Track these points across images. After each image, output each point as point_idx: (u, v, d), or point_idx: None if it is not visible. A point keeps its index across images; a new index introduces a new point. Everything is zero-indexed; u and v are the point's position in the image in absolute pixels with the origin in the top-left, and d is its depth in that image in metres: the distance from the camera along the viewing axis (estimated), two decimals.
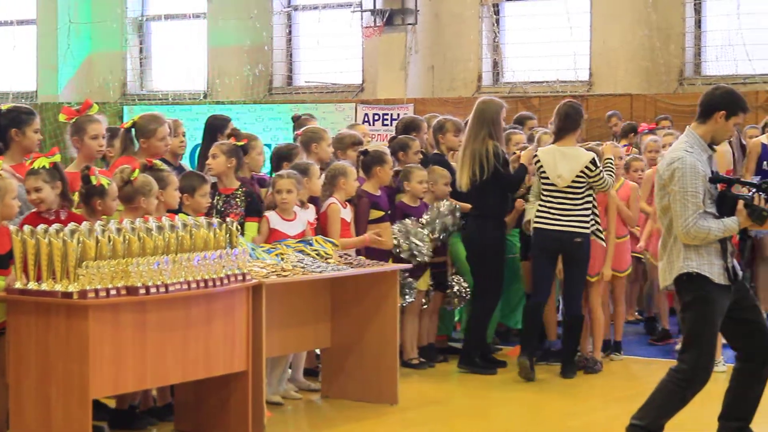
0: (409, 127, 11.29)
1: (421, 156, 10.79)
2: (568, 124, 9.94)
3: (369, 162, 10.09)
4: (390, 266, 9.22)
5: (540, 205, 9.96)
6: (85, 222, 7.06)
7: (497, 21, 20.38)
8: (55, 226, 6.85)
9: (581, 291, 10.09)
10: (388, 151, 10.40)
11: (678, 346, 10.38)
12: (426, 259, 10.03)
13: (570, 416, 8.86)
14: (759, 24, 17.92)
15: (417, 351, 10.35)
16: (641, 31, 18.71)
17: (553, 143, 10.08)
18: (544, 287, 10.10)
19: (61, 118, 8.49)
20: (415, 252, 9.93)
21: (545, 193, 9.93)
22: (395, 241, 9.93)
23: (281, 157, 9.85)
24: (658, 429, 7.26)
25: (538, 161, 9.97)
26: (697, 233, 7.04)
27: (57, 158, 7.64)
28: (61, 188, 7.57)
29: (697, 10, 18.72)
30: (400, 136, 10.96)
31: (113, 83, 23.58)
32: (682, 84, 18.52)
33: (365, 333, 9.01)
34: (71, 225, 6.86)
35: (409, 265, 9.58)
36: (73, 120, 8.42)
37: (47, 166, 7.53)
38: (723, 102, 7.28)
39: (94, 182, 7.69)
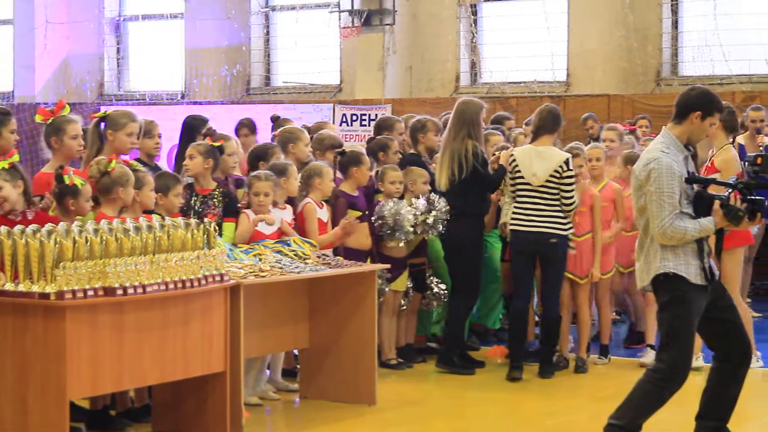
0: (381, 126, 11.33)
1: (400, 156, 10.80)
2: (546, 124, 9.98)
3: (345, 162, 10.10)
4: (368, 266, 9.21)
5: (515, 207, 9.98)
6: (62, 222, 7.04)
7: (475, 21, 20.40)
8: (33, 226, 6.83)
9: (558, 292, 10.08)
10: (364, 151, 10.40)
11: (641, 354, 10.46)
12: (404, 238, 9.98)
13: (547, 416, 8.87)
14: (735, 25, 17.99)
15: (395, 351, 10.35)
16: (618, 32, 18.75)
17: (530, 143, 10.12)
18: (525, 291, 10.11)
19: (38, 118, 8.47)
20: (397, 229, 9.91)
21: (521, 193, 9.95)
22: (383, 216, 9.93)
23: (257, 156, 9.83)
24: (636, 429, 7.28)
25: (514, 161, 9.99)
26: (674, 233, 7.06)
27: (15, 158, 7.65)
28: (23, 187, 7.57)
29: (674, 10, 18.77)
30: (379, 137, 10.97)
31: (90, 83, 23.51)
32: (659, 84, 18.57)
33: (343, 333, 9.00)
34: (48, 225, 6.85)
35: (387, 266, 9.56)
36: (50, 121, 8.40)
37: (6, 167, 7.53)
38: (699, 102, 7.31)
39: (67, 182, 7.69)
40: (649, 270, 7.26)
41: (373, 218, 9.99)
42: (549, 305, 10.03)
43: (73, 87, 23.36)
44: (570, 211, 9.92)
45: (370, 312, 8.94)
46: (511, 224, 9.98)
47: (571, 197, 9.87)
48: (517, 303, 10.12)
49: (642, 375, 7.39)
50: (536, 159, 9.86)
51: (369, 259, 9.87)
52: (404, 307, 10.39)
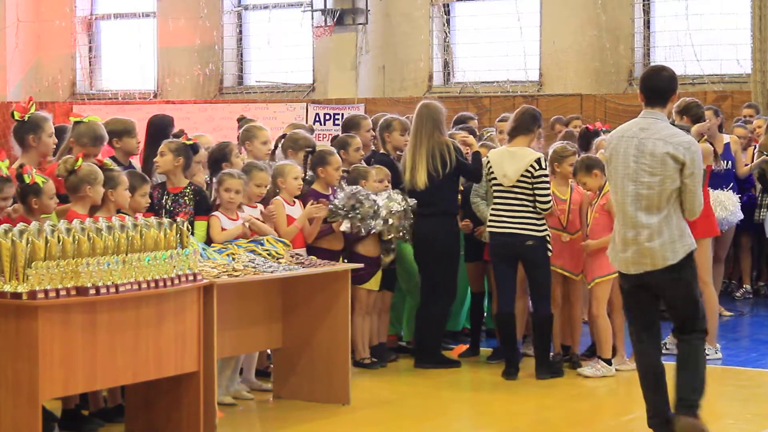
0: (347, 125, 11.34)
1: (362, 154, 10.79)
2: (521, 125, 9.93)
3: (312, 163, 10.09)
4: (341, 266, 9.21)
5: (492, 209, 9.94)
6: (34, 222, 7.01)
7: (448, 21, 20.44)
8: (4, 226, 6.80)
9: (548, 290, 9.94)
10: (334, 150, 10.35)
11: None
12: (376, 228, 9.92)
13: (519, 415, 8.88)
14: (707, 25, 18.09)
15: (369, 350, 10.35)
16: (591, 32, 18.82)
17: (506, 144, 10.07)
18: (508, 295, 9.98)
19: (16, 115, 8.44)
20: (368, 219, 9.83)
21: (496, 195, 9.91)
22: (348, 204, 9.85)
23: (216, 159, 9.77)
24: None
25: (488, 162, 9.98)
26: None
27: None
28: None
29: (646, 11, 18.87)
30: (340, 135, 10.99)
31: (62, 83, 23.44)
32: (631, 84, 18.64)
33: (317, 333, 9.00)
34: (20, 225, 6.82)
35: (360, 265, 9.55)
36: (27, 117, 8.37)
37: None
38: (674, 84, 7.68)
39: (28, 180, 7.67)
40: (675, 248, 7.44)
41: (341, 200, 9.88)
42: (539, 305, 9.91)
43: (45, 86, 23.29)
44: (545, 211, 9.78)
45: (344, 311, 8.93)
46: (488, 226, 9.93)
47: (546, 197, 9.75)
48: (501, 308, 10.00)
49: (685, 345, 7.64)
50: (508, 160, 9.82)
51: (341, 259, 9.86)
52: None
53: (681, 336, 7.65)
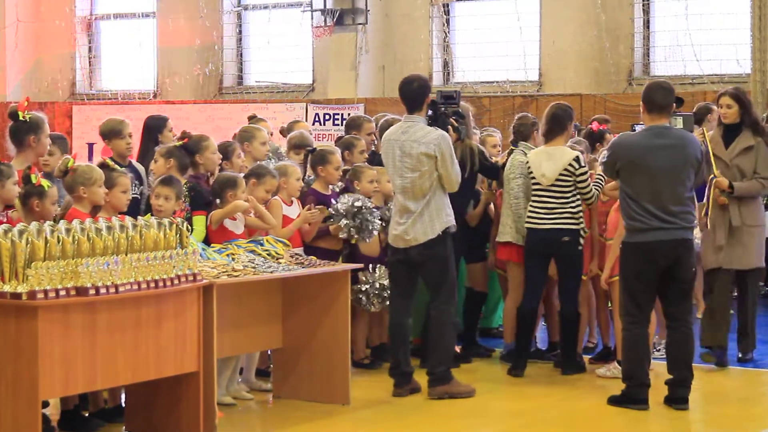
0: (350, 126, 11.33)
1: (366, 156, 10.79)
2: (557, 125, 10.05)
3: (312, 162, 10.10)
4: (341, 266, 9.22)
5: (530, 207, 10.04)
6: (33, 222, 7.01)
7: (447, 21, 20.43)
8: (3, 226, 6.81)
9: (577, 289, 10.06)
10: (335, 150, 10.34)
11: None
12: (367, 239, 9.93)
13: (519, 415, 8.89)
14: (707, 24, 18.07)
15: (369, 351, 10.35)
16: (590, 32, 18.81)
17: (544, 144, 10.14)
18: (536, 292, 10.11)
19: (20, 115, 8.44)
20: (363, 228, 9.83)
21: (534, 193, 10.03)
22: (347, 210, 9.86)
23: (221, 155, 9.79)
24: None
25: (527, 163, 10.12)
26: (458, 182, 9.13)
27: None
28: None
29: (646, 10, 18.85)
30: (345, 136, 10.98)
31: (62, 83, 23.43)
32: (631, 84, 18.63)
33: (316, 333, 9.00)
34: (20, 225, 6.83)
35: (360, 266, 9.56)
36: (29, 118, 8.38)
37: None
38: (426, 90, 9.13)
39: (34, 181, 7.68)
40: (434, 226, 9.07)
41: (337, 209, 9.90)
42: (567, 302, 10.04)
43: (45, 86, 23.27)
44: (590, 203, 10.06)
45: (343, 312, 8.94)
46: (526, 223, 10.04)
47: (588, 192, 9.96)
48: (527, 303, 10.10)
49: (437, 319, 9.02)
50: (546, 160, 9.95)
51: (341, 259, 9.87)
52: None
53: (433, 305, 9.14)
